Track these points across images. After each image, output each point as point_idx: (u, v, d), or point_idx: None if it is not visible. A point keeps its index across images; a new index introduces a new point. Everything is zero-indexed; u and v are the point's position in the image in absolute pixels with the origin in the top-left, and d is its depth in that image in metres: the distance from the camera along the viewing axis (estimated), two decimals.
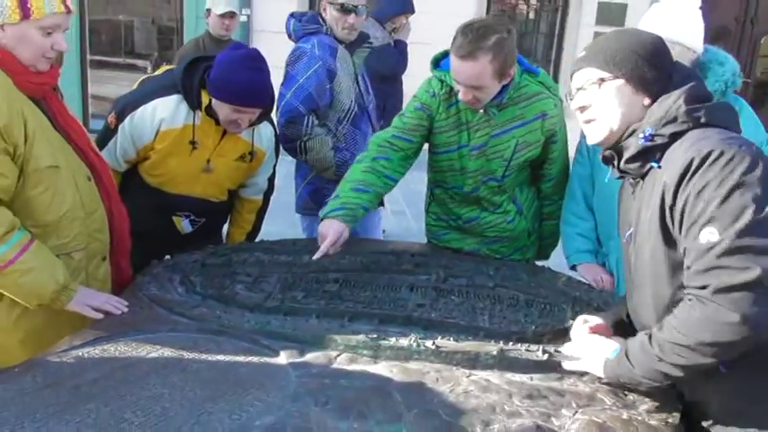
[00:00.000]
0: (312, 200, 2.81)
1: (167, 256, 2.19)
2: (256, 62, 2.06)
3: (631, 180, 1.45)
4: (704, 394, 1.40)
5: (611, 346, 1.43)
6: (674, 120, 1.32)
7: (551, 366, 1.52)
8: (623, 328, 1.62)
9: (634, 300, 1.50)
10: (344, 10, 2.62)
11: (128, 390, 1.29)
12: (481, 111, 2.10)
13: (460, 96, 2.02)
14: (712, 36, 7.97)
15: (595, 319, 1.60)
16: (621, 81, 1.39)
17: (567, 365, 1.49)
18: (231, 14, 4.28)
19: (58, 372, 1.34)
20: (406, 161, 2.21)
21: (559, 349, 1.55)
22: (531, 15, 8.28)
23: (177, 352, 1.46)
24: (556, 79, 7.96)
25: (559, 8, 7.90)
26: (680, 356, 1.26)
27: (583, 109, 1.44)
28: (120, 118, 2.10)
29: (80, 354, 1.42)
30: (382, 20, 4.53)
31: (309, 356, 1.49)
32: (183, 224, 2.28)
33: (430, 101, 2.16)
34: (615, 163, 1.44)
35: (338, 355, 1.51)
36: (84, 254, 1.77)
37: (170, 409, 1.24)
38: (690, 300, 1.25)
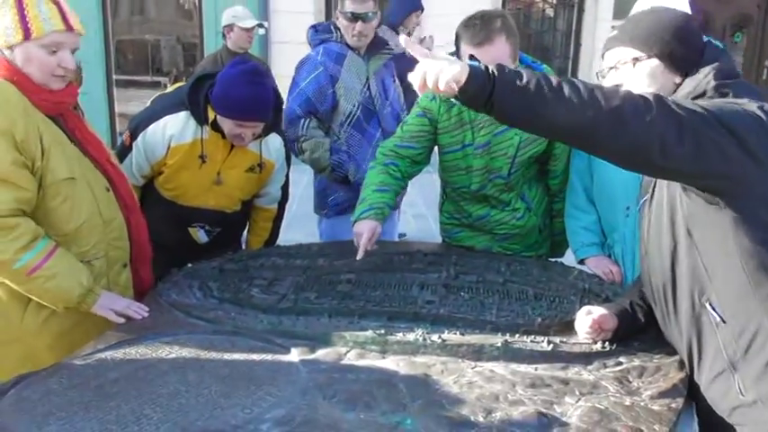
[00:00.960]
0: (319, 200, 2.94)
1: (189, 265, 2.27)
2: (255, 76, 2.13)
3: None
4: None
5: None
6: (703, 94, 1.36)
7: (557, 357, 1.55)
8: (628, 319, 1.64)
9: (646, 265, 1.51)
10: (353, 18, 2.72)
11: (147, 388, 1.36)
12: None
13: None
14: (734, 23, 7.89)
15: (599, 310, 1.62)
16: (656, 60, 1.43)
17: (428, 79, 1.24)
18: (256, 26, 4.40)
19: (83, 373, 1.42)
20: (415, 166, 2.28)
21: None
22: (549, 13, 8.27)
23: (194, 352, 1.53)
24: (575, 75, 7.93)
25: (575, 4, 7.87)
26: (572, 98, 1.19)
27: (617, 87, 1.42)
28: (134, 135, 2.19)
29: (103, 356, 1.50)
30: (396, 25, 4.58)
31: (320, 353, 1.54)
32: (199, 235, 2.36)
33: (430, 105, 2.22)
34: None
35: (347, 352, 1.56)
36: (104, 261, 1.85)
37: (186, 405, 1.31)
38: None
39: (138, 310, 1.77)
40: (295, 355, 1.54)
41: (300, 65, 2.79)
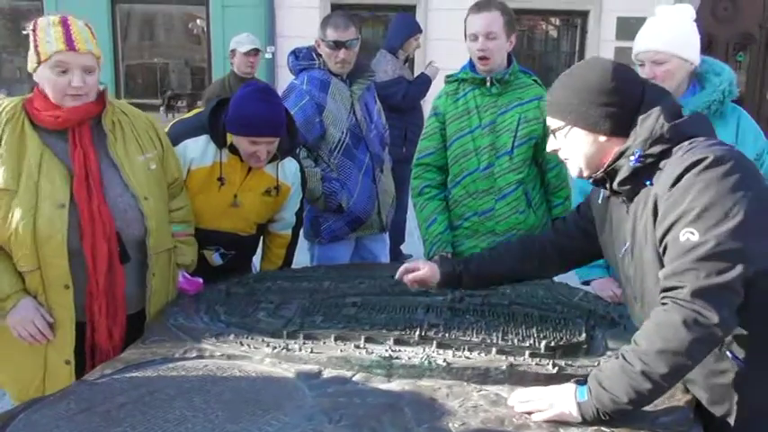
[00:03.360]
0: (312, 227, 2.92)
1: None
2: (264, 94, 2.18)
3: (623, 199, 1.49)
4: (723, 396, 1.42)
5: (571, 388, 1.38)
6: (660, 138, 1.37)
7: (562, 379, 1.54)
8: (453, 281, 1.84)
9: (637, 311, 1.52)
10: (335, 46, 2.73)
11: (154, 413, 1.37)
12: (487, 93, 2.43)
13: (478, 48, 2.37)
14: (737, 42, 7.94)
15: (419, 273, 1.83)
16: (571, 127, 1.47)
17: (537, 417, 1.38)
18: (255, 51, 4.47)
19: (90, 398, 1.43)
20: (442, 172, 2.57)
21: (513, 400, 1.45)
22: (553, 34, 8.35)
23: (201, 377, 1.54)
24: None
25: (579, 26, 7.95)
26: (665, 364, 1.26)
27: (555, 152, 1.55)
28: None
29: (111, 381, 1.52)
30: (395, 49, 4.62)
31: (325, 377, 1.55)
32: (214, 257, 2.38)
33: (437, 102, 2.55)
34: (608, 185, 1.49)
35: (353, 375, 1.57)
36: (37, 275, 1.85)
37: (193, 430, 1.31)
38: (665, 304, 1.28)
39: (40, 331, 1.84)
40: (301, 379, 1.54)
41: (286, 94, 2.77)
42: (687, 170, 1.29)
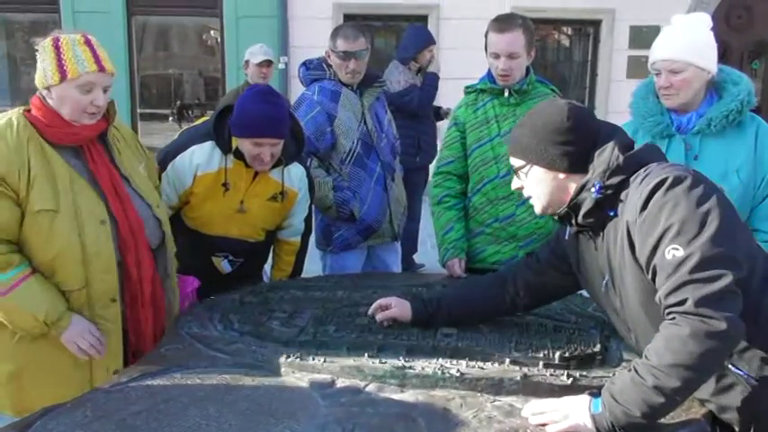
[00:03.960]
0: (323, 236, 2.93)
1: (211, 297, 2.30)
2: (267, 96, 2.20)
3: (590, 234, 1.54)
4: (738, 409, 1.41)
5: (585, 400, 1.37)
6: (617, 168, 1.43)
7: (577, 391, 1.53)
8: (422, 318, 1.85)
9: (632, 343, 1.55)
10: (345, 56, 2.75)
11: (169, 421, 1.38)
12: (506, 103, 2.49)
13: (500, 67, 2.42)
14: (751, 51, 7.88)
15: (392, 311, 1.85)
16: (531, 166, 1.54)
17: (551, 429, 1.37)
18: (268, 63, 4.51)
19: (106, 406, 1.44)
20: (462, 181, 2.62)
21: (527, 411, 1.44)
22: (565, 44, 8.34)
23: (215, 385, 1.55)
24: (592, 104, 7.96)
25: (591, 35, 7.94)
26: (677, 377, 1.26)
27: (519, 189, 1.61)
28: (163, 166, 2.25)
29: (126, 389, 1.53)
30: (407, 60, 4.65)
31: (339, 387, 1.55)
32: (222, 264, 2.39)
33: (457, 113, 2.61)
34: (573, 220, 1.53)
35: (366, 385, 1.56)
36: (84, 293, 1.87)
37: None
38: (672, 318, 1.28)
39: (98, 351, 1.85)
40: (314, 388, 1.55)
41: (297, 105, 2.81)
42: (653, 192, 1.34)
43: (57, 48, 1.77)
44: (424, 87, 4.62)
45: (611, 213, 1.45)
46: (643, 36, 7.45)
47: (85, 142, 1.89)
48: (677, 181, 1.34)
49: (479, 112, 2.54)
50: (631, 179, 1.43)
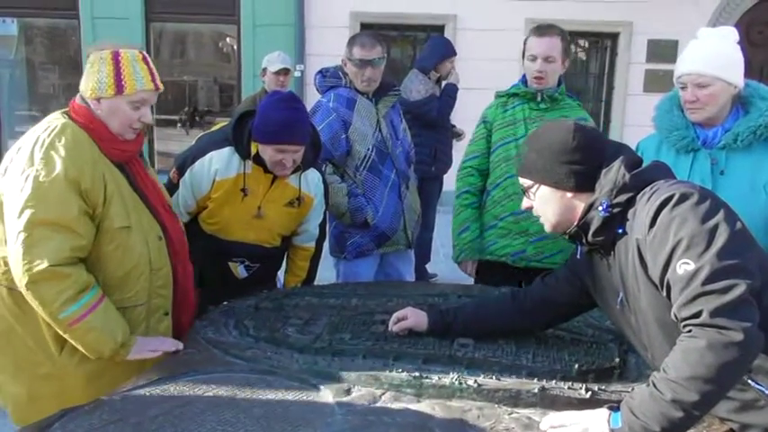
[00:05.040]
0: (337, 243, 2.94)
1: (225, 303, 2.31)
2: (290, 102, 2.21)
3: (601, 252, 1.54)
4: (755, 422, 1.38)
5: (604, 414, 1.35)
6: (624, 187, 1.44)
7: (595, 404, 1.51)
8: (439, 328, 1.85)
9: (649, 360, 1.53)
10: (362, 64, 2.77)
11: (185, 426, 1.38)
12: (536, 108, 2.60)
13: (536, 69, 2.55)
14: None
15: (408, 322, 1.85)
16: (539, 186, 1.56)
17: None
18: (285, 71, 4.53)
19: (123, 409, 1.44)
20: (483, 177, 2.75)
21: (546, 424, 1.41)
22: (582, 56, 8.32)
23: (231, 391, 1.55)
24: (608, 117, 7.93)
25: (608, 48, 7.91)
26: (695, 391, 1.24)
27: (529, 209, 1.62)
28: (181, 172, 2.27)
29: (142, 393, 1.53)
30: (427, 69, 4.66)
31: (355, 395, 1.54)
32: (239, 270, 2.40)
33: (487, 112, 2.73)
34: (584, 239, 1.54)
35: (382, 394, 1.55)
36: (145, 308, 1.90)
37: None
38: (689, 331, 1.26)
39: (172, 346, 1.81)
40: (330, 396, 1.54)
41: (313, 112, 2.82)
42: (660, 209, 1.35)
43: (116, 62, 1.78)
44: (443, 98, 4.63)
45: (620, 231, 1.46)
46: (660, 50, 7.43)
47: (132, 158, 1.91)
48: (684, 197, 1.34)
49: (508, 113, 2.65)
50: (638, 197, 1.43)
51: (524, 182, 1.61)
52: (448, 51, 4.75)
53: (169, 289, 1.95)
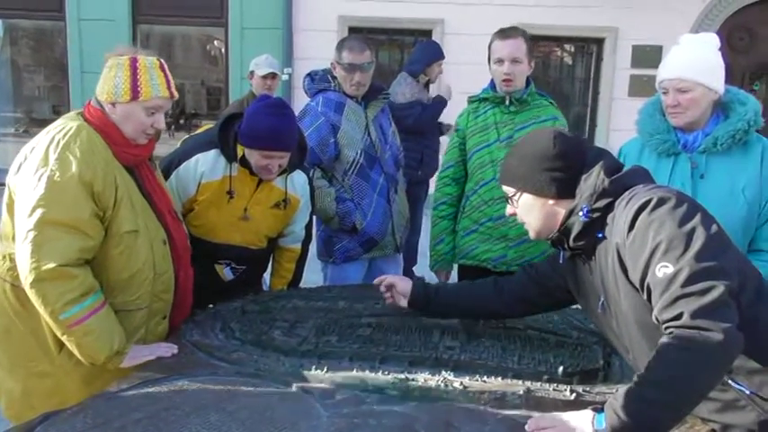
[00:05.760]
0: (324, 247, 2.93)
1: (210, 305, 2.30)
2: (278, 108, 2.20)
3: (583, 257, 1.57)
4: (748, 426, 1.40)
5: (589, 416, 1.35)
6: (603, 192, 1.46)
7: (580, 406, 1.52)
8: (419, 302, 1.95)
9: (630, 362, 1.55)
10: (351, 68, 2.77)
11: (169, 429, 1.37)
12: (506, 111, 2.62)
13: (504, 72, 2.56)
14: (752, 72, 7.93)
15: (398, 290, 1.96)
16: (521, 193, 1.58)
17: None
18: (272, 75, 4.53)
19: (107, 413, 1.43)
20: (459, 185, 2.79)
21: (531, 426, 1.40)
22: (568, 61, 8.38)
23: (216, 394, 1.54)
24: (593, 122, 7.99)
25: (594, 53, 7.98)
26: (677, 392, 1.25)
27: (513, 215, 1.65)
28: (167, 175, 2.25)
29: (127, 396, 1.52)
30: (416, 73, 4.67)
31: (340, 397, 1.54)
32: (225, 272, 2.39)
33: (459, 120, 2.75)
34: (565, 244, 1.56)
35: (368, 396, 1.55)
36: (145, 312, 1.89)
37: None
38: (670, 333, 1.28)
39: (167, 351, 1.79)
40: (316, 398, 1.54)
41: (302, 116, 2.81)
42: (638, 213, 1.37)
43: (134, 68, 1.79)
44: (427, 108, 4.60)
45: (600, 236, 1.48)
46: (645, 55, 7.50)
47: (143, 162, 1.92)
48: (662, 201, 1.36)
49: (480, 119, 2.68)
50: (617, 202, 1.45)
51: (507, 189, 1.63)
52: (437, 54, 4.76)
53: (170, 293, 1.95)
